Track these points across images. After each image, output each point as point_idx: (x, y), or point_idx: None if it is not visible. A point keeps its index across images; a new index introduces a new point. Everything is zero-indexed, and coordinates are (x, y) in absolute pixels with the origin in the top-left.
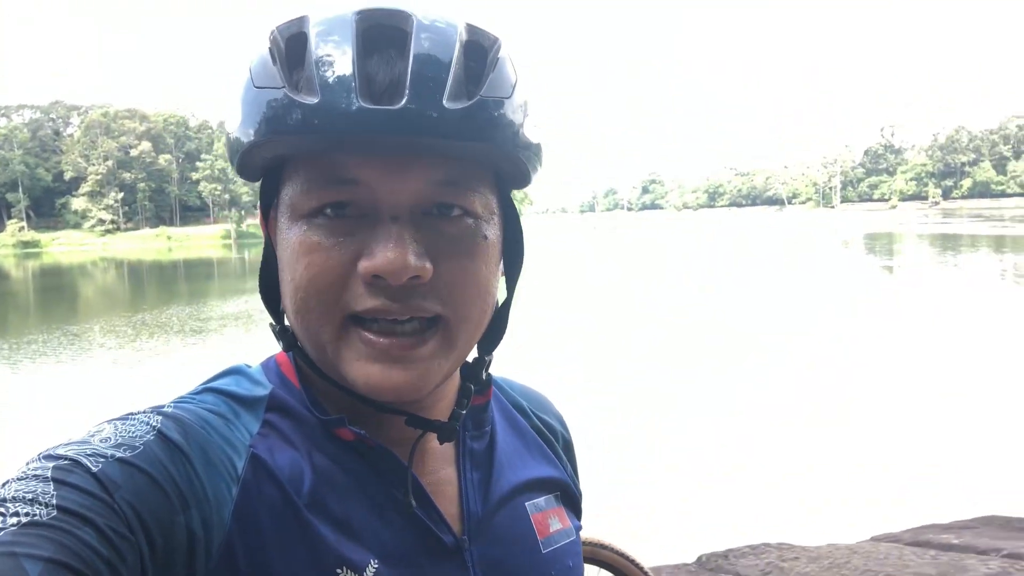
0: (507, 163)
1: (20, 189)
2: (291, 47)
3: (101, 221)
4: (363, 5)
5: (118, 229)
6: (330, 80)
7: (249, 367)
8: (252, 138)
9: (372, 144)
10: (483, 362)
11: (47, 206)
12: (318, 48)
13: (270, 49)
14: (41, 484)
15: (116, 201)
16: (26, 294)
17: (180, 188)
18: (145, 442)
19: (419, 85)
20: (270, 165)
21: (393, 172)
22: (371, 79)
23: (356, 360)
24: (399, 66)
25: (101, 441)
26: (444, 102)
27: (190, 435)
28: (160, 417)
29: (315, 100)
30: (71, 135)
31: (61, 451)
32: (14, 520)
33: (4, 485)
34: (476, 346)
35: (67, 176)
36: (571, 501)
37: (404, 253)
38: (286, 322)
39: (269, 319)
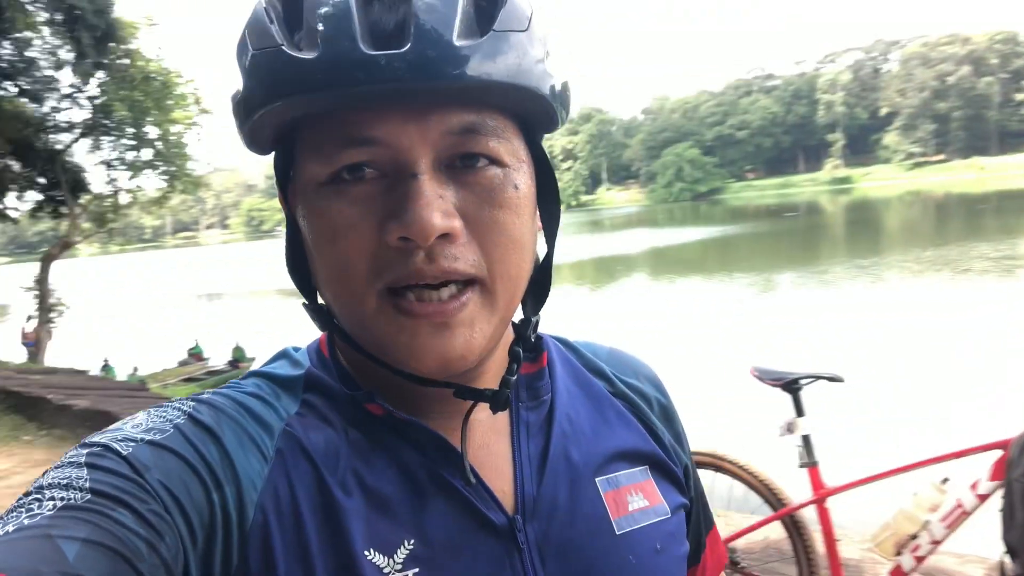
0: (531, 103)
1: (838, 129)
2: (288, 5)
3: (910, 155)
4: None
5: (927, 162)
6: (331, 31)
7: (297, 349)
8: (260, 107)
9: (383, 97)
10: (529, 323)
11: (861, 143)
12: (313, 1)
13: (265, 9)
14: (75, 470)
15: (927, 133)
16: (831, 227)
17: (1001, 112)
18: (175, 425)
19: (425, 25)
20: (280, 135)
21: (408, 125)
22: (374, 25)
23: (398, 333)
24: (403, 9)
25: (133, 427)
26: (454, 40)
27: (222, 418)
28: (193, 403)
29: (315, 54)
30: (889, 71)
31: (96, 438)
32: (50, 504)
33: (44, 475)
34: (521, 306)
35: (882, 112)
36: (667, 475)
37: (429, 211)
38: (319, 300)
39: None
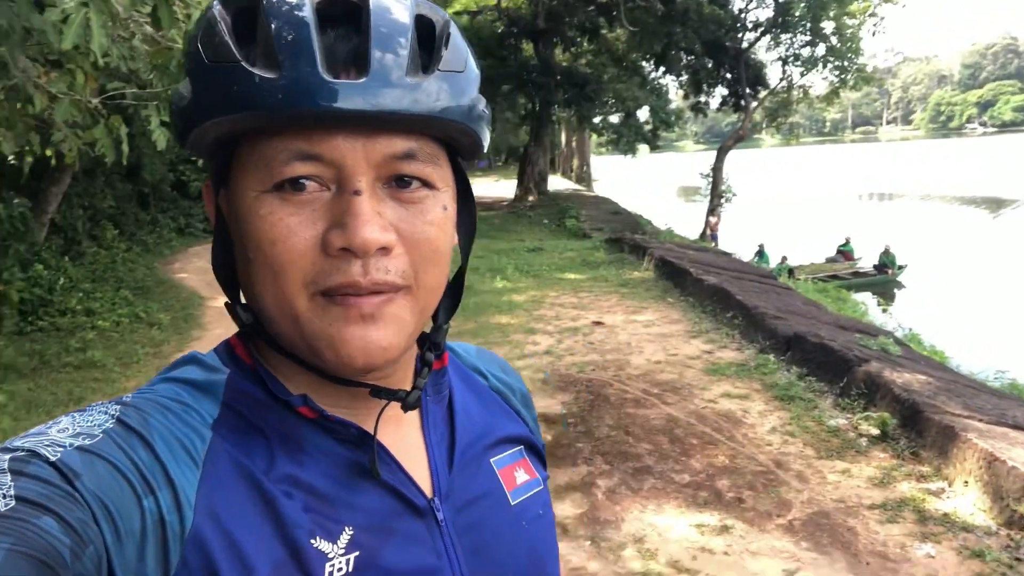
0: (462, 135)
1: None
2: (239, 20)
3: None
4: None
5: None
6: (290, 53)
7: (203, 355)
8: (208, 116)
9: (333, 118)
10: (441, 329)
11: None
12: (272, 21)
13: (218, 21)
14: None
15: None
16: None
17: None
18: (104, 430)
19: (381, 61)
20: (223, 142)
21: (356, 146)
22: (331, 54)
23: (327, 326)
24: (357, 41)
25: (59, 432)
26: (405, 76)
27: (150, 422)
28: (119, 407)
29: (274, 75)
30: None
31: (18, 443)
32: None
33: None
34: (434, 316)
35: None
36: (535, 453)
37: (371, 227)
38: (242, 300)
39: None
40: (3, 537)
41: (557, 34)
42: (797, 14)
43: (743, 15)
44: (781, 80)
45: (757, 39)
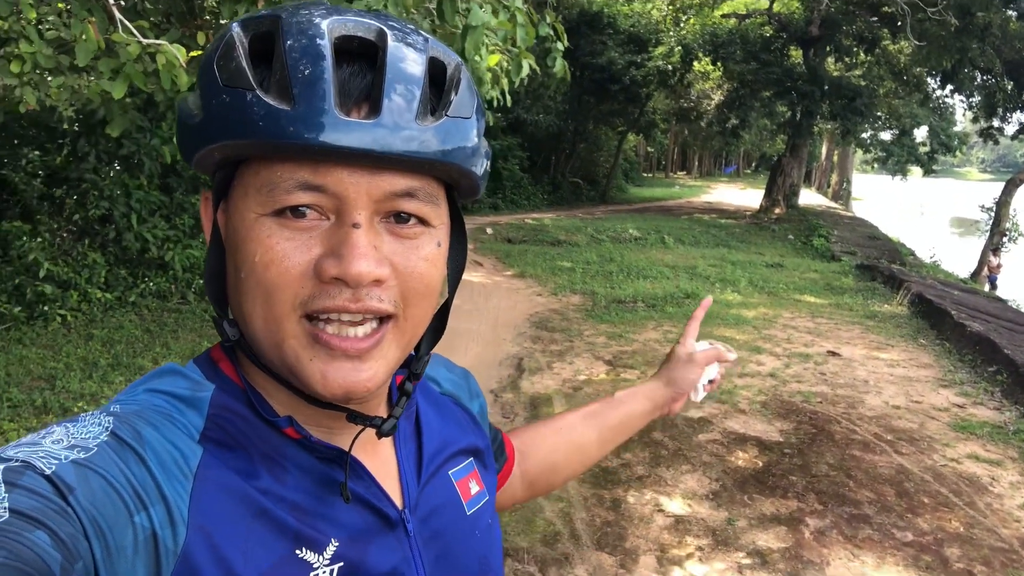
0: (462, 177)
1: None
2: (257, 46)
3: None
4: (336, 14)
5: None
6: (304, 87)
7: (183, 367)
8: (217, 139)
9: (339, 153)
10: (422, 360)
11: None
12: (290, 52)
13: (236, 44)
14: None
15: None
16: None
17: None
18: (99, 443)
19: (394, 102)
20: (227, 162)
21: (359, 181)
22: (345, 91)
23: (312, 360)
24: (371, 80)
25: (53, 443)
26: (414, 120)
27: (143, 435)
28: (111, 418)
29: (287, 107)
30: None
31: (11, 452)
32: None
33: None
34: (415, 347)
35: None
36: (484, 463)
37: (366, 261)
38: (230, 315)
39: None
40: None
41: (831, 42)
42: None
43: None
44: None
45: None
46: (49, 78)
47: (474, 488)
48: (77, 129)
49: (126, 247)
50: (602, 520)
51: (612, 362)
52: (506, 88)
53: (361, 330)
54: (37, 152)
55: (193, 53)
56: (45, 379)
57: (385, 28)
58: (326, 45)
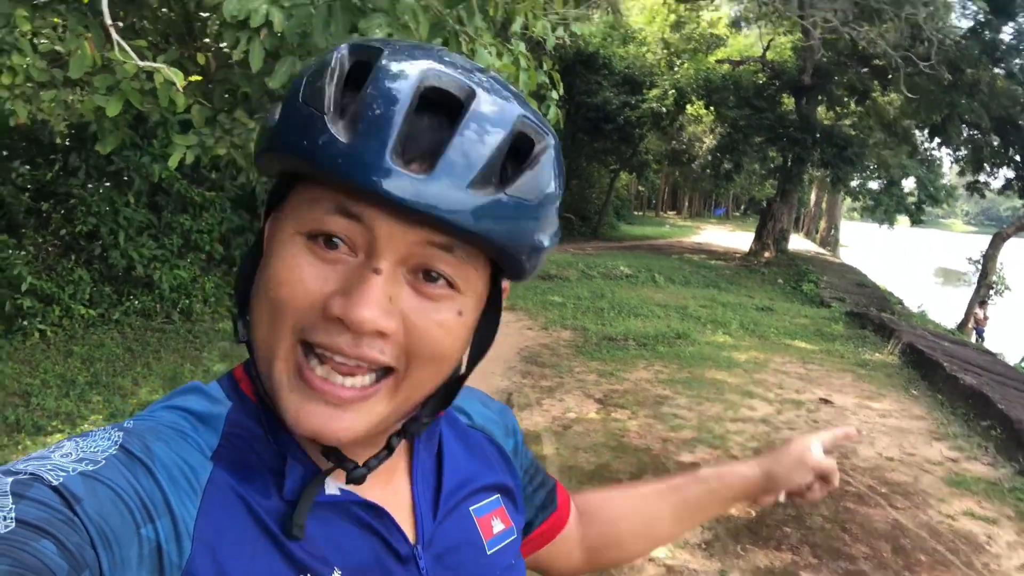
0: (506, 260)
1: None
2: (355, 73)
3: None
4: (434, 63)
5: None
6: (370, 126)
7: (205, 385)
8: (280, 149)
9: (380, 197)
10: (420, 423)
11: None
12: (374, 87)
13: (332, 66)
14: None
15: None
16: None
17: None
18: (107, 457)
19: (453, 162)
20: (287, 173)
21: (395, 224)
22: (412, 140)
23: (291, 391)
24: (443, 136)
25: (62, 456)
26: (468, 185)
27: (153, 449)
28: (121, 433)
29: (347, 140)
30: None
31: (20, 466)
32: None
33: None
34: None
35: None
36: (512, 500)
37: (374, 310)
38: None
39: None
40: (2, 559)
41: (823, 91)
42: None
43: None
44: None
45: None
46: (41, 92)
47: (498, 526)
48: (68, 144)
49: (112, 264)
50: None
51: (603, 400)
52: None
53: (350, 381)
54: (27, 166)
55: (192, 77)
56: (20, 395)
57: (477, 88)
58: (410, 91)
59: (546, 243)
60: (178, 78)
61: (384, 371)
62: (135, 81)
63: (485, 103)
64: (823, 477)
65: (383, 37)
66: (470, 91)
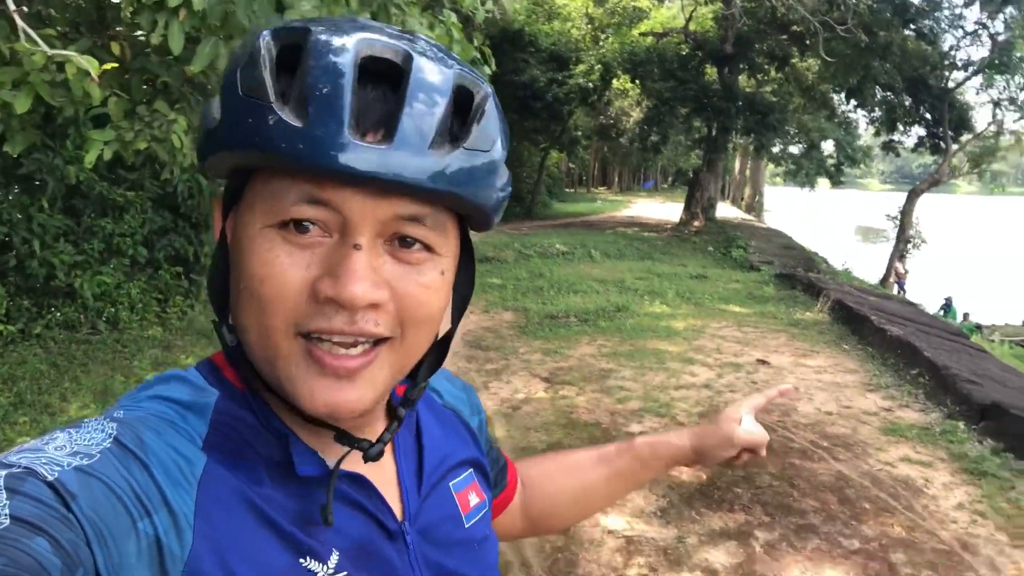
0: (474, 211)
1: None
2: (284, 57)
3: None
4: (365, 33)
5: None
6: (321, 106)
7: (185, 372)
8: (230, 147)
9: (347, 174)
10: (419, 387)
11: None
12: (313, 68)
13: (262, 54)
14: None
15: None
16: None
17: None
18: (102, 450)
19: (409, 128)
20: (238, 169)
21: (365, 202)
22: (363, 113)
23: (302, 376)
24: (391, 104)
25: (56, 449)
26: (428, 148)
27: (146, 441)
28: (115, 424)
29: (300, 124)
30: None
31: (13, 459)
32: None
33: None
34: (413, 373)
35: None
36: (483, 474)
37: (363, 284)
38: (231, 321)
39: None
40: None
41: (744, 60)
42: (1019, 55)
43: (953, 52)
44: (990, 124)
45: (966, 79)
46: None
47: (473, 500)
48: None
49: (29, 275)
50: (552, 546)
51: (549, 379)
52: None
53: (353, 350)
54: None
55: (107, 66)
56: None
57: (412, 52)
58: (349, 64)
59: (507, 190)
60: (93, 67)
61: (378, 340)
62: (44, 73)
63: (424, 64)
64: (751, 449)
65: (302, 16)
66: (406, 54)
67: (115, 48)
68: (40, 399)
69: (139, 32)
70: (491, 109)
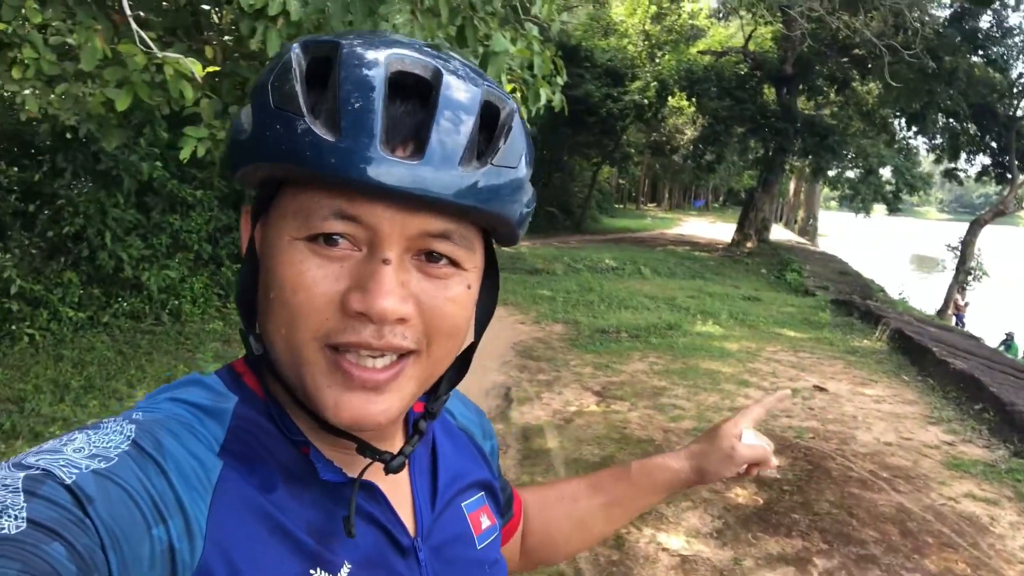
0: (501, 226)
1: None
2: (314, 70)
3: None
4: (395, 49)
5: None
6: (353, 120)
7: (205, 377)
8: (262, 159)
9: (378, 189)
10: (440, 400)
11: None
12: (344, 81)
13: (293, 67)
14: (11, 495)
15: None
16: None
17: None
18: (120, 453)
19: (438, 144)
20: (269, 180)
21: (395, 218)
22: (393, 127)
23: (329, 387)
24: (421, 119)
25: (74, 451)
26: (457, 164)
27: (164, 445)
28: (133, 427)
29: (333, 138)
30: None
31: (31, 460)
32: None
33: None
34: (435, 386)
35: None
36: (494, 497)
37: (392, 299)
38: (257, 330)
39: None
40: (12, 562)
41: (804, 81)
42: None
43: (1022, 80)
44: None
45: None
46: (52, 86)
47: (485, 522)
48: (50, 143)
49: (100, 266)
50: (606, 559)
51: (601, 393)
52: (525, 117)
53: (380, 361)
54: (15, 168)
55: (209, 68)
56: (13, 401)
57: (441, 67)
58: (380, 79)
59: (531, 206)
60: (197, 69)
61: (405, 353)
62: (144, 74)
63: (452, 80)
64: (757, 463)
65: (394, 28)
66: (436, 70)
67: (208, 52)
68: (108, 384)
69: (227, 38)
70: (517, 125)
